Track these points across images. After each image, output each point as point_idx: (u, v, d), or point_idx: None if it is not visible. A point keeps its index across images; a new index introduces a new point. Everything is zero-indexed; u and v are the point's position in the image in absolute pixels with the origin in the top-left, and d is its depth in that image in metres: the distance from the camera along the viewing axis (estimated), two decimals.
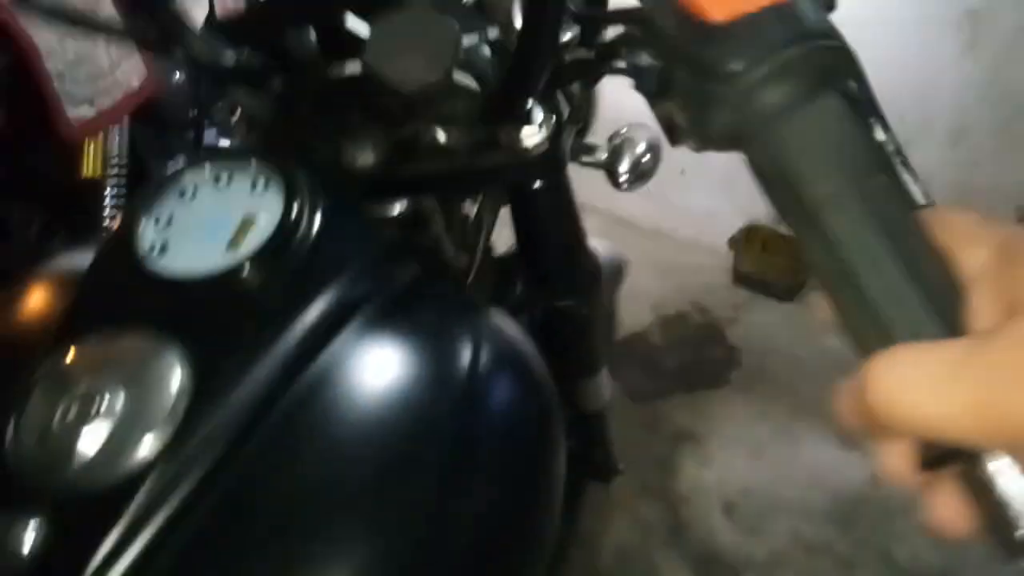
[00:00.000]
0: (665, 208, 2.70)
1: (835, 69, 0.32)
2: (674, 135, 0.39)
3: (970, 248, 0.29)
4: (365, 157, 0.62)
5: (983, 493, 0.27)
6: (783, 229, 2.48)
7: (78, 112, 1.53)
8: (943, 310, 0.29)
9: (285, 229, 0.46)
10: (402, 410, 0.45)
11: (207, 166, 0.51)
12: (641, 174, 0.78)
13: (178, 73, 1.97)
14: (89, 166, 1.61)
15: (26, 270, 0.59)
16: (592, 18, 0.54)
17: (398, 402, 0.45)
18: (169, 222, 0.49)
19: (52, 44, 1.45)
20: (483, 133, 0.59)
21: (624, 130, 0.75)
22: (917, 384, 0.26)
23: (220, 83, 0.63)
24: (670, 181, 2.67)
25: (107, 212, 1.66)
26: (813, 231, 0.31)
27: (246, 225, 0.47)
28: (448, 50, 0.53)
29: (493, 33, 0.57)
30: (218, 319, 0.44)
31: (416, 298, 0.53)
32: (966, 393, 0.24)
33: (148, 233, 0.48)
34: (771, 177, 0.33)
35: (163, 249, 0.47)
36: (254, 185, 0.50)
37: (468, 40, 0.56)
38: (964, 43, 1.86)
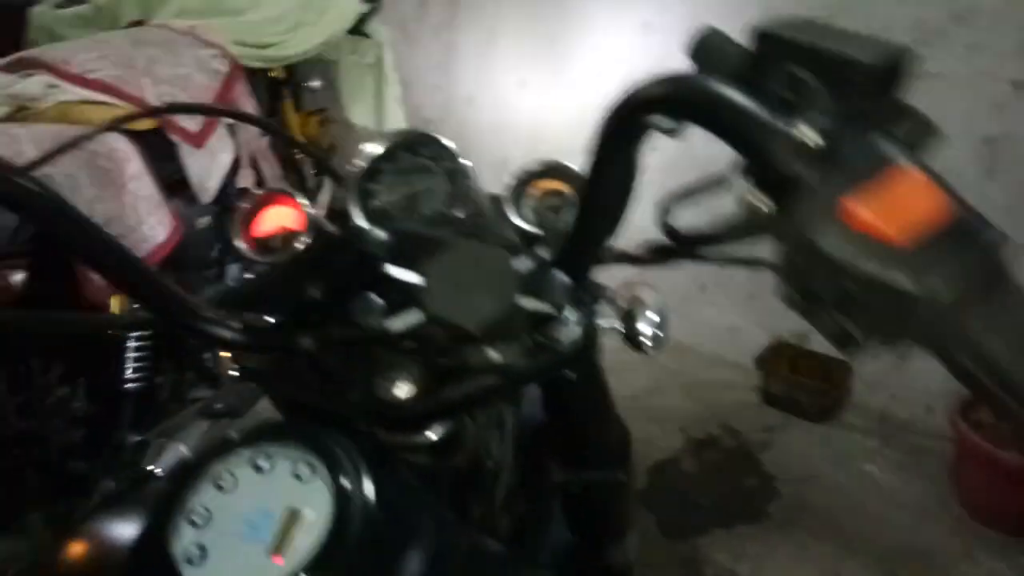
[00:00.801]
0: (687, 324, 2.67)
1: (1006, 260, 0.33)
2: (845, 343, 0.37)
3: None
4: (403, 390, 0.60)
5: None
6: (812, 346, 2.44)
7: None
8: None
9: (337, 532, 0.43)
10: None
11: (245, 452, 0.48)
12: (662, 336, 0.77)
13: (204, 218, 2.00)
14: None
15: (72, 529, 0.56)
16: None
17: None
18: (206, 520, 0.45)
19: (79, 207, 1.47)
20: (533, 341, 0.58)
21: (623, 292, 0.75)
22: None
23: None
24: (692, 296, 2.66)
25: (128, 366, 1.66)
26: None
27: (291, 522, 0.44)
28: (507, 280, 0.53)
29: (543, 252, 0.57)
30: None
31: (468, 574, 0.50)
32: None
33: (184, 535, 0.44)
34: (977, 374, 0.33)
35: (202, 557, 0.43)
36: (296, 472, 0.47)
37: (521, 264, 0.55)
38: (984, 169, 1.87)
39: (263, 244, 0.73)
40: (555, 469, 0.80)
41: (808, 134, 0.35)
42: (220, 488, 0.47)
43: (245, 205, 0.74)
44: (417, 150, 0.75)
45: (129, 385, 1.66)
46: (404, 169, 0.75)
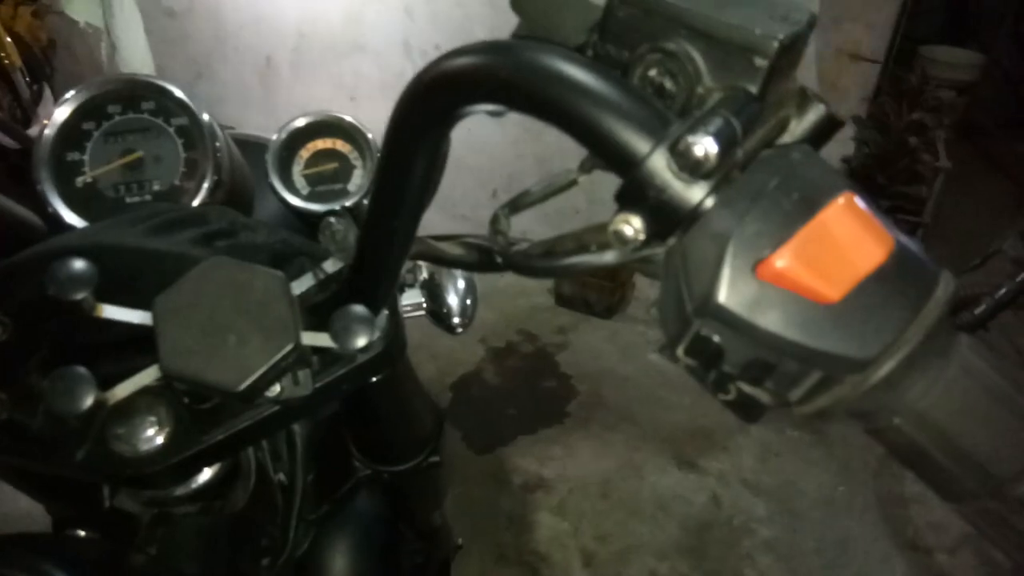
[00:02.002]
0: (480, 232, 2.64)
1: (953, 304, 0.26)
2: (752, 414, 0.30)
3: None
4: (148, 439, 0.47)
5: None
6: None
7: None
8: None
9: None
10: None
11: None
12: (470, 308, 0.71)
13: None
14: None
15: None
16: None
17: None
18: None
19: None
20: (322, 360, 0.47)
21: (424, 271, 0.67)
22: None
23: None
24: (483, 203, 2.61)
25: None
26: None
27: None
28: (285, 313, 0.40)
29: (330, 265, 0.45)
30: None
31: None
32: None
33: None
34: (922, 444, 0.27)
35: None
36: None
37: (301, 285, 0.43)
38: None
39: None
40: (358, 464, 0.71)
41: (707, 146, 0.25)
42: None
43: None
44: (135, 103, 0.58)
45: None
46: (117, 129, 0.58)
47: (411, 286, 0.64)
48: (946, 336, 0.26)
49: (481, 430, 1.97)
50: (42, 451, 0.46)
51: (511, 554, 1.67)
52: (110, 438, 0.46)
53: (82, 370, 0.38)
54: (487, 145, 2.38)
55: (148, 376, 0.39)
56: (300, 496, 0.64)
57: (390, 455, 0.68)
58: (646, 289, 2.49)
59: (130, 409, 0.46)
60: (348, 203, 0.56)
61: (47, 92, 2.45)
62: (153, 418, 0.46)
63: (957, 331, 0.26)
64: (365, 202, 0.54)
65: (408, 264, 0.64)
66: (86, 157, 0.56)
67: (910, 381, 0.25)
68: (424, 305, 0.62)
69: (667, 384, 2.14)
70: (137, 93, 0.58)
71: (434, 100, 0.33)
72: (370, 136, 0.59)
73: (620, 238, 0.28)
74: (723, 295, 0.25)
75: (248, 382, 0.38)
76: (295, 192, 0.57)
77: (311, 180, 0.58)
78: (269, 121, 0.64)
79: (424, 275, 0.65)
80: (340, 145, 0.59)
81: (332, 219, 0.46)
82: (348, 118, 0.59)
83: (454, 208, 2.07)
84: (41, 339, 0.44)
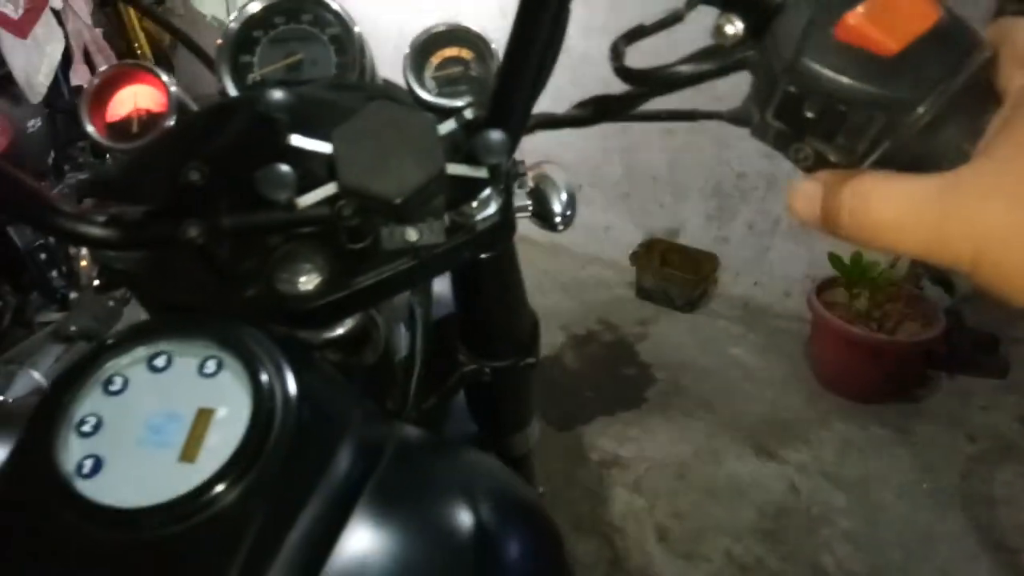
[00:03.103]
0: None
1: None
2: (813, 165, 0.34)
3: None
4: (307, 281, 0.55)
5: None
6: (682, 242, 2.54)
7: None
8: None
9: (256, 429, 0.38)
10: None
11: (136, 351, 0.42)
12: (571, 215, 0.76)
13: (35, 120, 1.77)
14: None
15: None
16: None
17: None
18: (97, 427, 0.39)
19: None
20: (452, 218, 0.54)
21: (532, 171, 0.73)
22: (897, 207, 0.29)
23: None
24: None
25: None
26: None
27: (202, 423, 0.39)
28: (432, 143, 0.48)
29: (469, 112, 0.52)
30: (187, 561, 0.36)
31: (403, 464, 0.47)
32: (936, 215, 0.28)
33: (72, 445, 0.39)
34: None
35: (96, 468, 0.38)
36: (201, 368, 0.42)
37: (446, 127, 0.50)
38: None
39: (118, 128, 0.63)
40: (463, 358, 0.78)
41: None
42: (109, 392, 0.41)
43: (95, 82, 0.64)
44: (296, 15, 0.67)
45: None
46: (281, 37, 0.67)
47: (521, 188, 0.70)
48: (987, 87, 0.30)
49: (560, 409, 2.02)
50: (218, 289, 0.54)
51: (587, 524, 1.70)
52: (276, 279, 0.54)
53: (287, 168, 0.46)
54: (574, 143, 2.44)
55: (328, 190, 0.47)
56: (416, 374, 0.71)
57: (493, 349, 0.74)
58: (729, 286, 2.49)
59: (294, 255, 0.54)
60: (476, 99, 0.63)
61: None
62: (311, 265, 0.54)
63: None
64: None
65: (519, 171, 0.70)
66: (255, 59, 0.65)
67: (954, 124, 0.30)
68: (530, 207, 0.68)
69: (748, 378, 2.14)
70: (298, 6, 0.66)
71: None
72: (493, 45, 0.66)
73: (722, 35, 0.35)
74: (808, 53, 0.31)
75: (405, 195, 0.45)
76: (426, 90, 0.65)
77: (439, 82, 0.66)
78: None
79: (531, 184, 0.71)
80: (464, 53, 0.66)
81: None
82: (475, 28, 0.66)
83: None
84: (232, 183, 0.53)
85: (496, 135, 0.48)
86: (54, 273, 1.69)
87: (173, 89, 0.62)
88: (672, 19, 0.41)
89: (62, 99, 1.91)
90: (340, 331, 0.60)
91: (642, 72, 0.41)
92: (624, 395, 2.10)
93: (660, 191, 2.56)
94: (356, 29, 0.66)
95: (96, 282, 0.60)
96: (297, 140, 0.47)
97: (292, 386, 0.41)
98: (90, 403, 0.40)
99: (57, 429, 0.39)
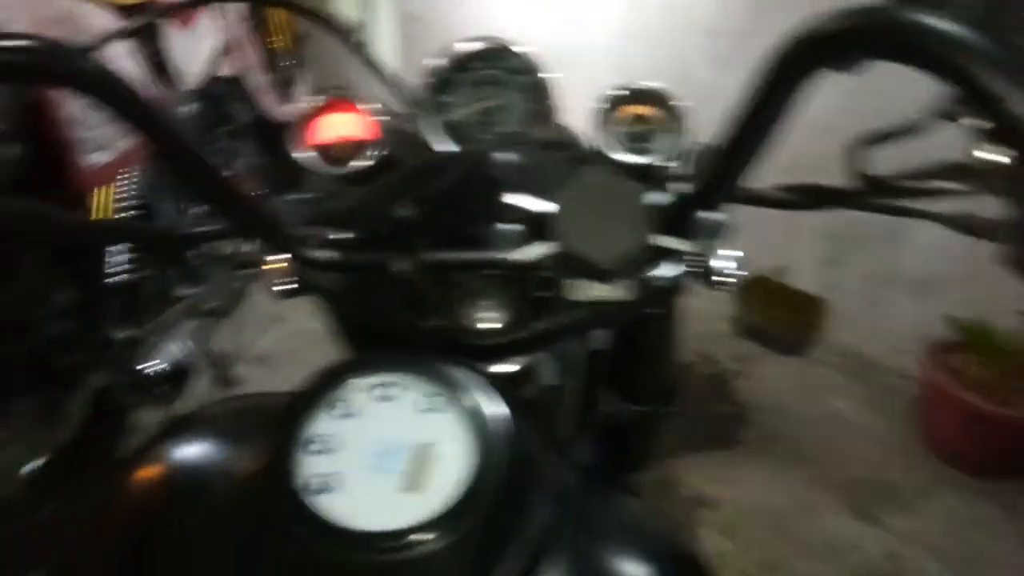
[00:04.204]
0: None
1: None
2: None
3: None
4: (490, 318, 0.58)
5: None
6: (789, 281, 2.48)
7: (93, 158, 1.44)
8: None
9: (483, 472, 0.41)
10: None
11: (366, 380, 0.45)
12: (740, 275, 0.76)
13: (189, 106, 1.89)
14: (98, 210, 1.52)
15: (140, 453, 0.53)
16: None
17: None
18: (328, 448, 0.43)
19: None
20: (638, 274, 0.56)
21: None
22: None
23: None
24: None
25: (109, 259, 1.58)
26: None
27: (424, 457, 0.42)
28: (641, 216, 0.51)
29: (676, 186, 0.54)
30: None
31: (585, 514, 0.49)
32: None
33: (304, 461, 0.42)
34: None
35: (327, 486, 0.41)
36: (425, 404, 0.45)
37: (654, 198, 0.53)
38: None
39: (327, 153, 0.68)
40: (609, 399, 0.79)
41: None
42: (345, 416, 0.44)
43: (304, 111, 0.69)
44: (495, 62, 0.71)
45: (112, 280, 1.60)
46: (478, 81, 0.70)
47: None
48: None
49: None
50: (407, 315, 0.58)
51: None
52: (460, 313, 0.57)
53: (519, 227, 0.49)
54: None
55: (547, 248, 0.50)
56: (566, 415, 0.73)
57: (639, 393, 0.76)
58: (835, 334, 2.42)
59: (479, 292, 0.57)
60: (664, 157, 0.65)
61: (298, 76, 2.77)
62: (495, 303, 0.58)
63: None
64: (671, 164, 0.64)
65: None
66: (454, 99, 0.69)
67: None
68: (702, 267, 0.70)
69: (850, 433, 2.08)
70: (497, 54, 0.70)
71: (817, 49, 0.39)
72: (682, 106, 0.67)
73: (981, 161, 0.35)
74: None
75: (615, 263, 0.47)
76: (614, 146, 0.67)
77: (623, 137, 0.67)
78: None
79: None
80: (652, 111, 0.68)
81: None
82: (664, 88, 0.68)
83: None
84: (437, 223, 0.56)
85: (712, 218, 0.49)
86: (192, 254, 1.80)
87: (383, 119, 0.67)
88: (912, 128, 0.42)
89: (213, 87, 2.03)
90: (514, 367, 0.63)
91: (882, 180, 0.42)
92: (717, 433, 2.07)
93: (771, 227, 2.51)
94: (547, 76, 0.69)
95: (285, 287, 0.64)
96: (519, 199, 0.50)
97: (511, 434, 0.43)
98: (323, 424, 0.44)
99: (293, 444, 0.43)
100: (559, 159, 0.59)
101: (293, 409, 0.44)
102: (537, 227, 0.50)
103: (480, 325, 0.58)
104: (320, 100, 0.68)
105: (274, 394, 0.55)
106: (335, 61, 2.86)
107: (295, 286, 0.61)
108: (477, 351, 0.58)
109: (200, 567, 0.46)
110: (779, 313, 2.40)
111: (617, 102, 0.69)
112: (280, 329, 2.37)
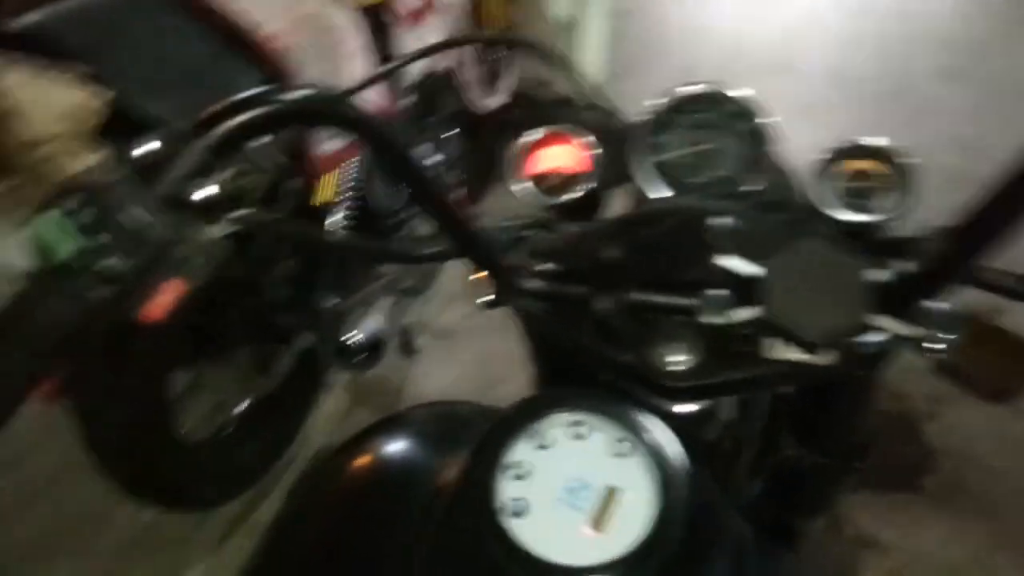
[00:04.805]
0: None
1: None
2: None
3: None
4: (682, 361, 0.61)
5: None
6: (1003, 324, 2.26)
7: (325, 147, 1.62)
8: None
9: (666, 521, 0.44)
10: None
11: (563, 416, 0.50)
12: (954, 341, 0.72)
13: (408, 99, 2.03)
14: (322, 193, 1.70)
15: (349, 450, 0.62)
16: None
17: None
18: (525, 475, 0.48)
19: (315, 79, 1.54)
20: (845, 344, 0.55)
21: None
22: None
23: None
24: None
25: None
26: None
27: (611, 498, 0.46)
28: (860, 294, 0.50)
29: (899, 265, 0.53)
30: None
31: (750, 568, 0.51)
32: None
33: (503, 484, 0.47)
34: None
35: (522, 510, 0.46)
36: (615, 448, 0.49)
37: (875, 275, 0.51)
38: None
39: (541, 183, 0.73)
40: (789, 444, 0.79)
41: None
42: (540, 447, 0.49)
43: (524, 143, 0.74)
44: (709, 106, 0.72)
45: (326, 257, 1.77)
46: (694, 124, 0.72)
47: None
48: None
49: None
50: (595, 345, 0.61)
51: None
52: (652, 352, 0.60)
53: (728, 293, 0.51)
54: None
55: (752, 313, 0.51)
56: (743, 463, 0.74)
57: (825, 446, 0.75)
58: None
59: (673, 334, 0.60)
60: (885, 217, 0.63)
61: (504, 68, 2.87)
62: (688, 347, 0.60)
63: None
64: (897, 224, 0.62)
65: None
66: (668, 140, 0.72)
67: None
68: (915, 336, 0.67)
69: None
70: (716, 100, 0.71)
71: None
72: (911, 163, 0.65)
73: None
74: None
75: (825, 343, 0.48)
76: (831, 204, 0.66)
77: (844, 193, 0.66)
78: None
79: None
80: (876, 167, 0.66)
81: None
82: (892, 145, 0.65)
83: None
84: (643, 268, 0.59)
85: (945, 310, 0.48)
86: (402, 232, 1.96)
87: (597, 154, 0.71)
88: None
89: (429, 83, 2.17)
90: (693, 409, 0.65)
91: None
92: (896, 474, 1.95)
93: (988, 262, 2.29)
94: (765, 123, 0.69)
95: (488, 299, 0.70)
96: (730, 262, 0.52)
97: (692, 486, 0.46)
98: (521, 451, 0.49)
99: (495, 467, 0.49)
100: (774, 220, 0.59)
101: (496, 434, 0.50)
102: (745, 289, 0.52)
103: (671, 368, 0.60)
104: (538, 133, 0.73)
105: (477, 406, 0.62)
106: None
107: (489, 299, 0.66)
108: (666, 391, 0.61)
109: (391, 560, 0.53)
110: (988, 356, 2.19)
111: (840, 155, 0.67)
112: (462, 307, 2.51)
